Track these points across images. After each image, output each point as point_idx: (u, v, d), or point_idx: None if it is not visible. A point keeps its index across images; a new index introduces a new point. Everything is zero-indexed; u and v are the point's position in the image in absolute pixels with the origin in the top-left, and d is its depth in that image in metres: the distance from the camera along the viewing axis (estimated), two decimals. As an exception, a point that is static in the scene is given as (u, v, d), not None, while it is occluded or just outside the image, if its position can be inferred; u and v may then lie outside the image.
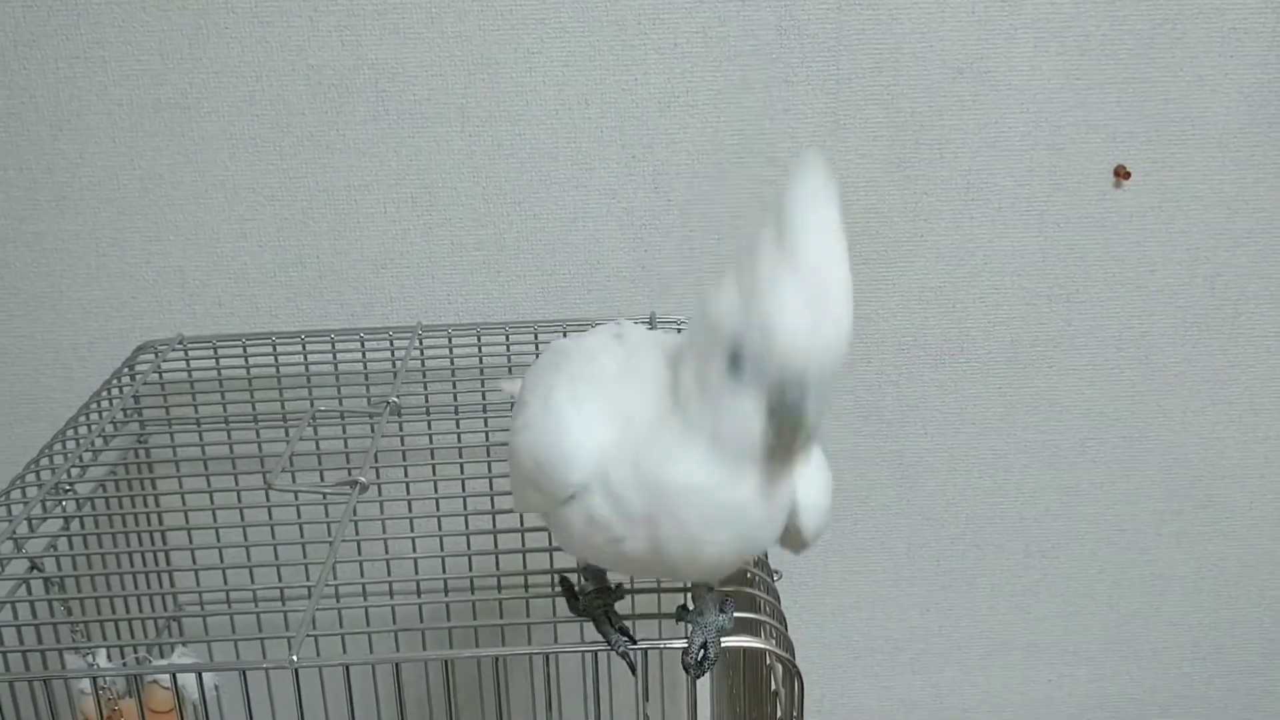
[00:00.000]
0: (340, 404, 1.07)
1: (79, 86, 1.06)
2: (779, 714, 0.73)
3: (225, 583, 1.03)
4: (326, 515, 0.90)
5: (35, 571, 0.83)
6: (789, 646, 0.70)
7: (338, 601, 1.04)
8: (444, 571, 0.92)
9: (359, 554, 0.94)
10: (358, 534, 0.92)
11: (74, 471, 0.92)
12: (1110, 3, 1.07)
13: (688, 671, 0.68)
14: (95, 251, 1.11)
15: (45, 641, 0.82)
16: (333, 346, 1.08)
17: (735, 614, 0.69)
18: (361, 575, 0.96)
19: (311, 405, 1.04)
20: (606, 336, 0.66)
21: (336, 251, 1.12)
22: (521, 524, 0.84)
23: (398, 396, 0.96)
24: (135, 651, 0.97)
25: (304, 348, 1.08)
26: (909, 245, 1.14)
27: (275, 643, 0.71)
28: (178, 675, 0.76)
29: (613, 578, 0.73)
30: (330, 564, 0.74)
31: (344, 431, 1.04)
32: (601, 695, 0.77)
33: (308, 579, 0.77)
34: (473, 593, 0.94)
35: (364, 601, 1.01)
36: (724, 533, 0.57)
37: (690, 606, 0.70)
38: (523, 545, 0.84)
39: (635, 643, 0.69)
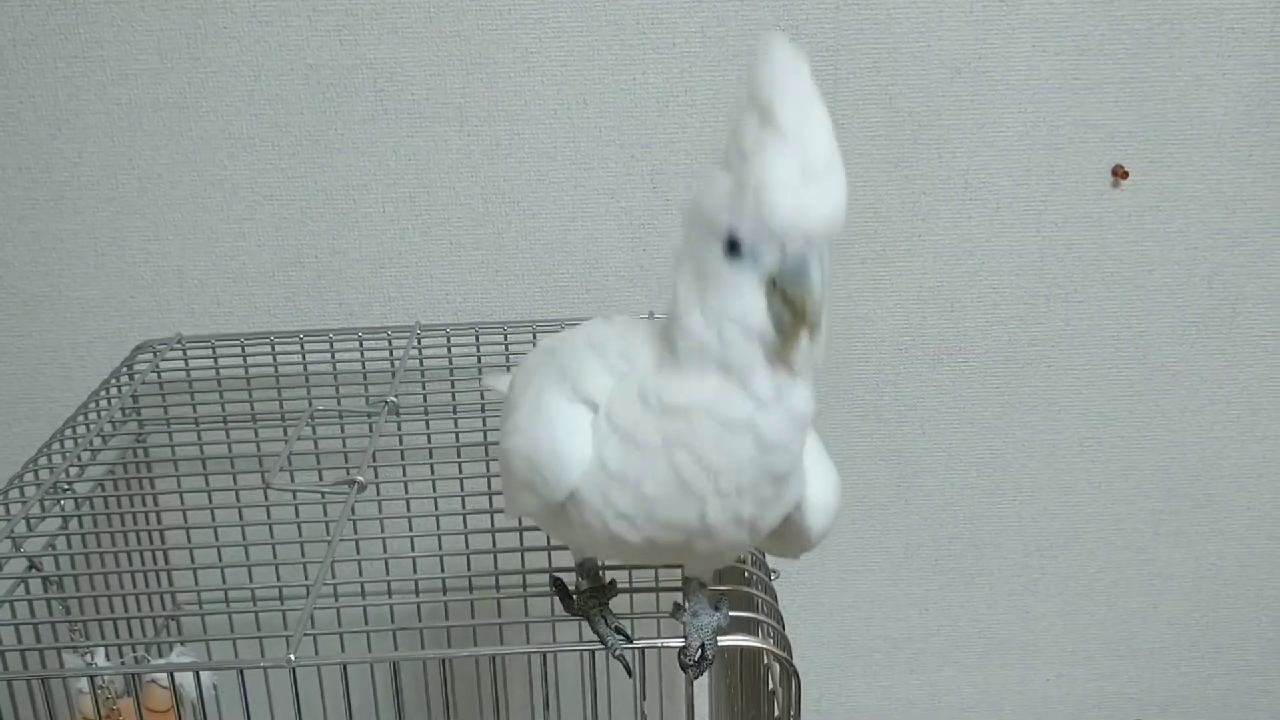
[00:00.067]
0: (338, 403, 1.07)
1: (77, 86, 1.06)
2: (776, 713, 0.73)
3: (223, 582, 1.04)
4: (325, 514, 0.90)
5: (33, 571, 0.83)
6: (786, 646, 0.70)
7: (336, 601, 1.05)
8: (442, 570, 0.93)
9: (357, 553, 0.94)
10: (356, 533, 0.92)
11: (72, 471, 0.92)
12: (1108, 3, 1.07)
13: (685, 671, 0.68)
14: (94, 251, 1.11)
15: (43, 640, 0.82)
16: (331, 346, 1.08)
17: (732, 613, 0.70)
18: (360, 574, 0.97)
19: (310, 405, 1.05)
20: (592, 322, 0.66)
21: (335, 251, 1.12)
22: (520, 523, 0.84)
23: (396, 396, 0.96)
24: (133, 650, 0.97)
25: (302, 347, 1.08)
26: (907, 245, 1.14)
27: (273, 642, 0.71)
28: (176, 674, 0.76)
29: (608, 575, 0.73)
30: (328, 563, 0.74)
31: (342, 431, 1.04)
32: (599, 694, 0.77)
33: (306, 578, 0.77)
34: (471, 592, 0.94)
35: (362, 600, 1.01)
36: (740, 452, 0.55)
37: (685, 605, 0.70)
38: (521, 544, 0.84)
39: (631, 641, 0.69)
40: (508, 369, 1.05)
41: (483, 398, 1.03)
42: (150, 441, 1.08)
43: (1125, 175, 1.12)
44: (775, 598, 0.75)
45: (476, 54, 1.07)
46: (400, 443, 0.97)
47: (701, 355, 0.55)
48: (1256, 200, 1.14)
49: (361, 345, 1.08)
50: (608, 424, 0.58)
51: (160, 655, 0.96)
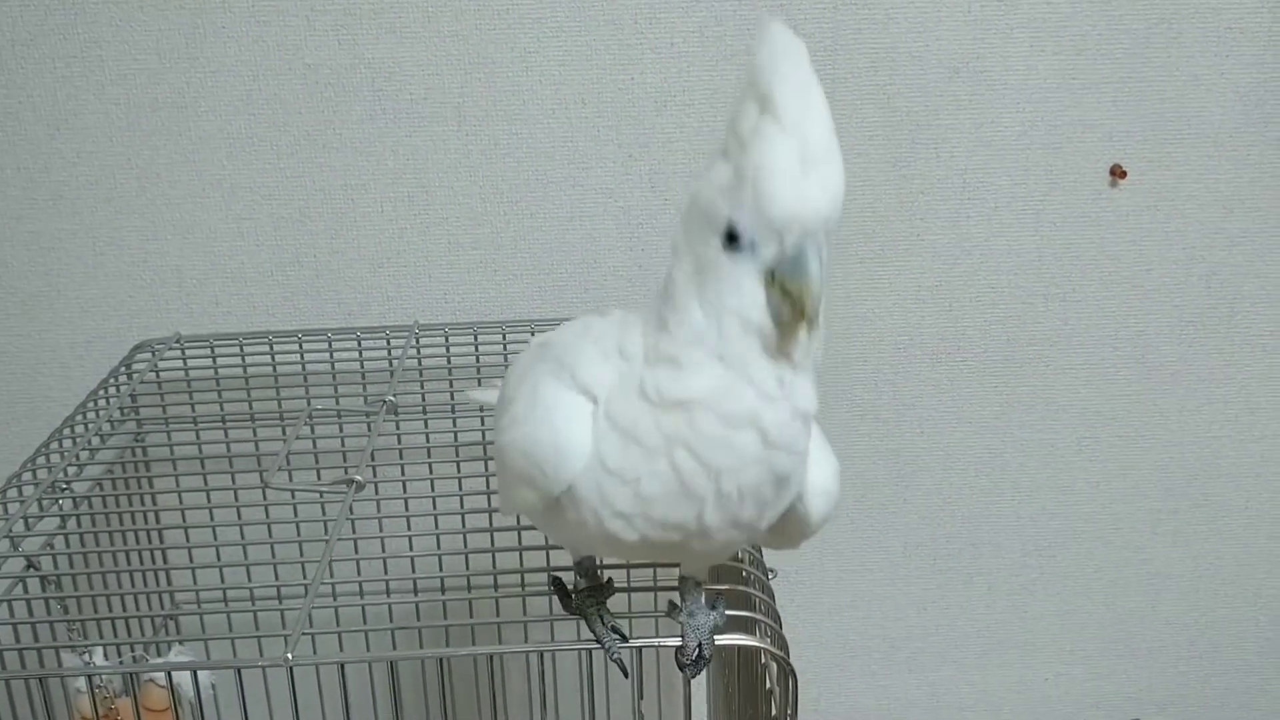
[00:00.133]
0: (337, 403, 1.07)
1: (76, 86, 1.06)
2: (774, 712, 0.73)
3: (222, 581, 1.04)
4: (323, 514, 0.90)
5: (32, 570, 0.83)
6: (784, 645, 0.70)
7: (334, 600, 1.05)
8: (440, 570, 0.93)
9: (355, 552, 0.94)
10: (354, 532, 0.92)
11: (71, 470, 0.92)
12: (1106, 3, 1.07)
13: (683, 670, 0.68)
14: (92, 250, 1.11)
15: (41, 640, 0.82)
16: (329, 345, 1.08)
17: (729, 612, 0.70)
18: (358, 574, 0.97)
19: (308, 404, 1.05)
20: (587, 316, 0.66)
21: (333, 251, 1.12)
22: (518, 523, 0.84)
23: (394, 395, 0.96)
24: (131, 650, 0.97)
25: (301, 347, 1.08)
26: (905, 244, 1.14)
27: (271, 641, 0.71)
28: (174, 673, 0.76)
29: (606, 574, 0.73)
30: (326, 562, 0.74)
31: (340, 430, 1.04)
32: (597, 693, 0.77)
33: (304, 577, 0.77)
34: (469, 591, 0.94)
35: (360, 600, 1.01)
36: (743, 449, 0.55)
37: (680, 604, 0.70)
38: (519, 544, 0.84)
39: (627, 640, 0.69)
40: (505, 366, 1.05)
41: (481, 398, 1.03)
42: (149, 441, 1.08)
43: (1123, 175, 1.12)
44: (773, 597, 0.75)
45: (475, 54, 1.07)
46: (398, 442, 0.97)
47: (701, 348, 0.55)
48: (1254, 200, 1.14)
49: (360, 345, 1.08)
50: (607, 420, 0.57)
51: (158, 654, 0.96)
